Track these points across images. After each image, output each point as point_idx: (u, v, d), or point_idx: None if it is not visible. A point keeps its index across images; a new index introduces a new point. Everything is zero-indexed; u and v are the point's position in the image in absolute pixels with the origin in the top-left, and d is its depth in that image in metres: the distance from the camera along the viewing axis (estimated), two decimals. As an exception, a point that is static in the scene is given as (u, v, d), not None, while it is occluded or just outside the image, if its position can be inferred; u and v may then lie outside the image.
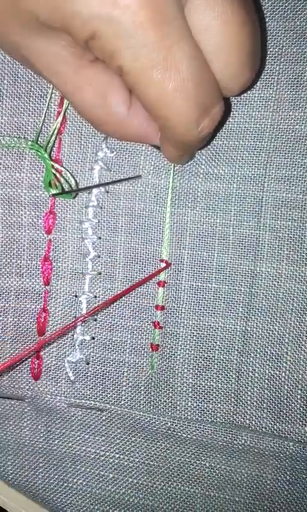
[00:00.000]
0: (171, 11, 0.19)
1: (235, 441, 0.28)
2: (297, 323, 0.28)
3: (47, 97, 0.28)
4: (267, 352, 0.28)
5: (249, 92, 0.27)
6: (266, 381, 0.28)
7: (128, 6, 0.18)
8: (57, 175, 0.28)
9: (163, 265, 0.28)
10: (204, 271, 0.28)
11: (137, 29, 0.18)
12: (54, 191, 0.27)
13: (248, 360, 0.28)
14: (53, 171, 0.28)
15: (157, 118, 0.22)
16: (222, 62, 0.21)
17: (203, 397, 0.29)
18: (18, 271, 0.29)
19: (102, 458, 0.29)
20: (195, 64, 0.20)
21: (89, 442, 0.29)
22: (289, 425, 0.28)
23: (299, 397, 0.28)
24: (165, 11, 0.19)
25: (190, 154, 0.27)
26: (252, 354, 0.28)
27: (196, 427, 0.29)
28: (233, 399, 0.28)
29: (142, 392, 0.29)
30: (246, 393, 0.28)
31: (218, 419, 0.28)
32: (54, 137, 0.28)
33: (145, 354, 0.29)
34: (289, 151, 0.27)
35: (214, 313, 0.28)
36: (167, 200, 0.28)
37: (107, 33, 0.19)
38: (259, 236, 0.28)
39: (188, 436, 0.29)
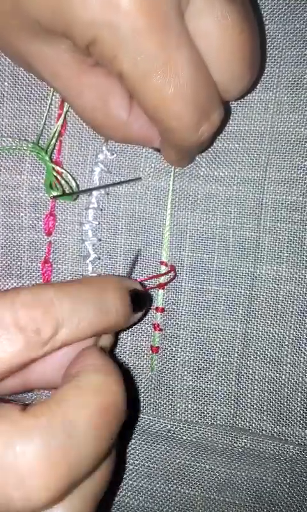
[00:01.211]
0: (171, 17, 0.19)
1: (235, 444, 0.28)
2: (297, 325, 0.28)
3: (47, 99, 0.28)
4: (266, 354, 0.28)
5: (249, 94, 0.27)
6: (266, 383, 0.28)
7: (128, 12, 0.18)
8: (58, 177, 0.28)
9: (163, 267, 0.28)
10: (205, 273, 0.28)
11: (137, 35, 0.18)
12: (54, 193, 0.28)
13: (248, 362, 0.28)
14: (54, 173, 0.28)
15: (156, 123, 0.22)
16: (221, 67, 0.21)
17: (203, 400, 0.29)
18: (18, 272, 0.29)
19: (102, 460, 0.29)
20: (194, 70, 0.20)
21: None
22: (289, 428, 0.28)
23: (298, 399, 0.28)
24: (165, 17, 0.19)
25: (190, 157, 0.27)
26: (252, 357, 0.28)
27: (195, 429, 0.29)
28: (233, 402, 0.28)
29: (142, 394, 0.29)
30: (246, 396, 0.28)
31: (218, 421, 0.28)
32: (54, 139, 0.28)
33: (145, 356, 0.29)
34: (289, 153, 0.27)
35: (214, 316, 0.28)
36: (167, 202, 0.28)
37: (107, 39, 0.19)
38: (259, 238, 0.28)
39: (188, 438, 0.29)
